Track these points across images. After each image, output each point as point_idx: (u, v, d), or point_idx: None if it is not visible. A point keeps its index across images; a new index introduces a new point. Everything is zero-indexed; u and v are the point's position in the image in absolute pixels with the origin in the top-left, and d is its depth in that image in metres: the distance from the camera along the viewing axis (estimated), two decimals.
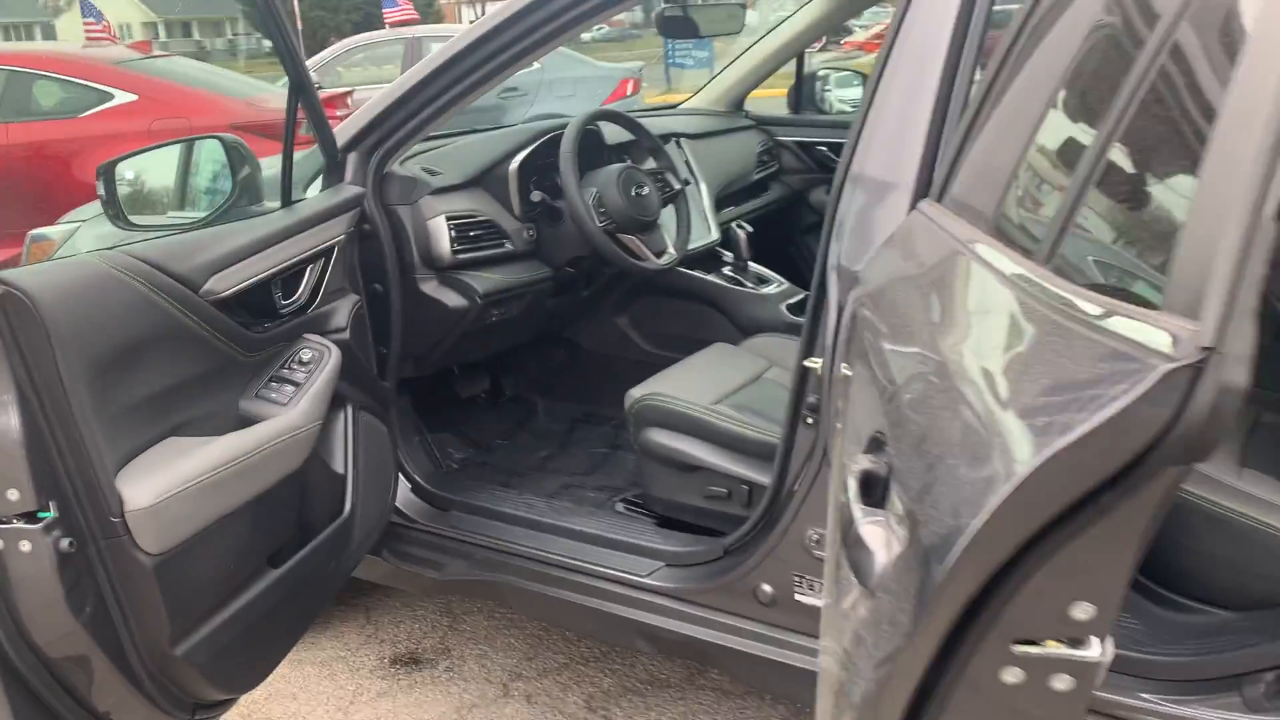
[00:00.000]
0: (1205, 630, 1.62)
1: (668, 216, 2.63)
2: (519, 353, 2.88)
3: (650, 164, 2.65)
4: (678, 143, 2.97)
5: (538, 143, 2.43)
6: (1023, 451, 0.75)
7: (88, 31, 11.07)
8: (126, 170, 1.87)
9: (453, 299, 2.22)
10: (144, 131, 6.15)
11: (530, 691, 2.43)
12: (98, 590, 1.35)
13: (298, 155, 2.07)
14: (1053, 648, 0.78)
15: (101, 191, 1.82)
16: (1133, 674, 1.59)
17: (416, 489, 2.29)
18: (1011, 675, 0.79)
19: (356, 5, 51.31)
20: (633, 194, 2.40)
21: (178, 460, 1.43)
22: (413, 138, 2.14)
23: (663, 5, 2.60)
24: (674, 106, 3.51)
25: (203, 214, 1.88)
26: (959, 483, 0.81)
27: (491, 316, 2.34)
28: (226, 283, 1.60)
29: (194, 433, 1.52)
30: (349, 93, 7.51)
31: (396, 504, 2.24)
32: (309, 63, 10.41)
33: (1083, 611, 0.75)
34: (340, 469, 1.92)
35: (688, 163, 2.94)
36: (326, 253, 1.91)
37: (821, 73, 3.59)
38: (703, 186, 2.94)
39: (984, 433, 0.82)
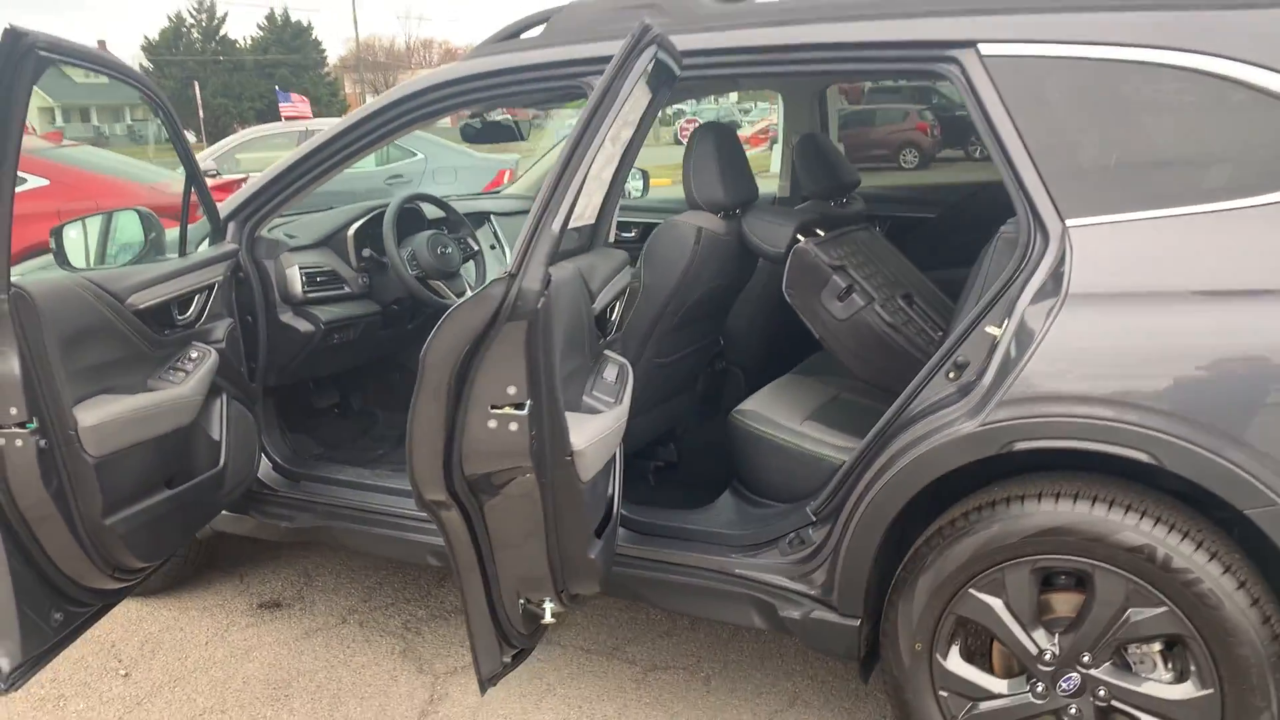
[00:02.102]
0: (767, 516, 2.58)
1: (472, 270, 3.58)
2: (362, 375, 3.75)
3: (458, 232, 3.60)
4: (489, 218, 3.94)
5: (369, 216, 3.37)
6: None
7: None
8: (70, 231, 2.72)
9: (303, 325, 3.10)
10: (53, 212, 6.79)
11: (363, 620, 3.27)
12: (59, 475, 2.17)
13: (195, 225, 2.96)
14: (509, 409, 1.72)
15: (52, 245, 2.67)
16: (727, 544, 2.53)
17: (276, 466, 3.13)
18: (493, 423, 1.73)
19: (260, 94, 52.06)
20: (439, 252, 3.35)
21: (109, 404, 2.28)
22: (275, 212, 3.04)
23: (465, 118, 3.59)
24: (496, 193, 4.50)
25: (124, 260, 2.75)
26: None
27: (334, 339, 3.22)
28: (141, 299, 2.47)
29: (118, 393, 2.38)
30: (244, 178, 8.36)
31: (260, 477, 3.07)
32: (213, 148, 11.29)
33: (513, 388, 1.70)
34: (216, 436, 2.76)
35: (495, 234, 3.91)
36: (209, 288, 2.78)
37: None
38: (508, 251, 3.91)
39: None
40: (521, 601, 2.11)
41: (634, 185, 4.83)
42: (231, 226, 3.00)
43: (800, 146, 3.28)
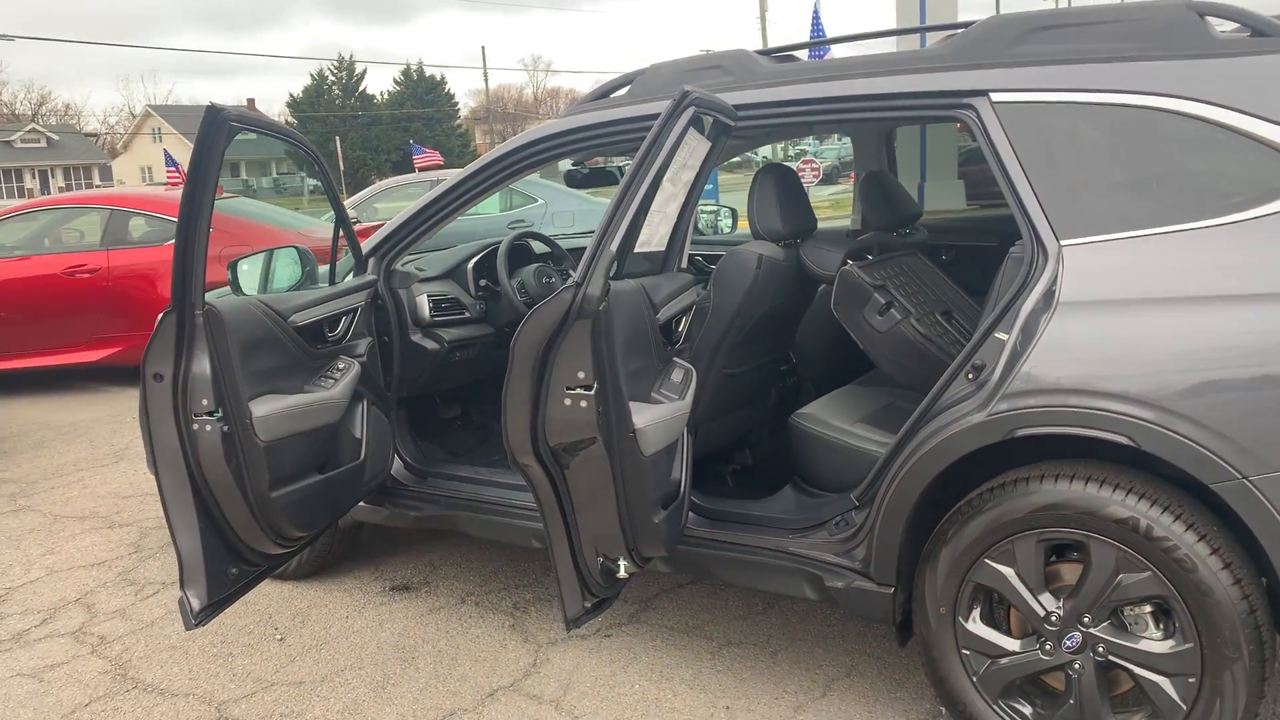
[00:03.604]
0: (819, 504, 2.96)
1: None
2: (480, 391, 4.28)
3: (562, 264, 4.11)
4: None
5: (485, 252, 3.91)
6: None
7: (169, 178, 13.11)
8: (243, 264, 3.32)
9: (430, 344, 3.65)
10: (215, 256, 7.69)
11: (479, 600, 3.76)
12: (237, 455, 2.73)
13: (341, 261, 3.54)
14: (579, 390, 2.18)
15: (229, 275, 3.27)
16: (784, 527, 2.92)
17: (406, 465, 3.66)
18: (568, 400, 2.19)
19: (396, 146, 54.62)
20: (544, 281, 3.86)
21: (275, 401, 2.84)
22: (407, 250, 3.60)
23: (570, 165, 4.11)
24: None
25: (285, 288, 3.34)
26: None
27: (456, 356, 3.76)
28: (300, 318, 3.03)
29: (282, 393, 2.94)
30: (381, 225, 9.14)
31: (393, 473, 3.61)
32: (353, 199, 12.27)
33: (583, 372, 2.16)
34: (358, 435, 3.30)
35: None
36: (353, 311, 3.34)
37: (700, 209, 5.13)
38: None
39: None
40: (600, 559, 2.55)
41: (724, 223, 5.29)
42: (371, 261, 3.56)
43: (863, 184, 3.67)
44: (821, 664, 3.16)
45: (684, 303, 2.80)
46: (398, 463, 3.64)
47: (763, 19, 38.10)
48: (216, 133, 2.56)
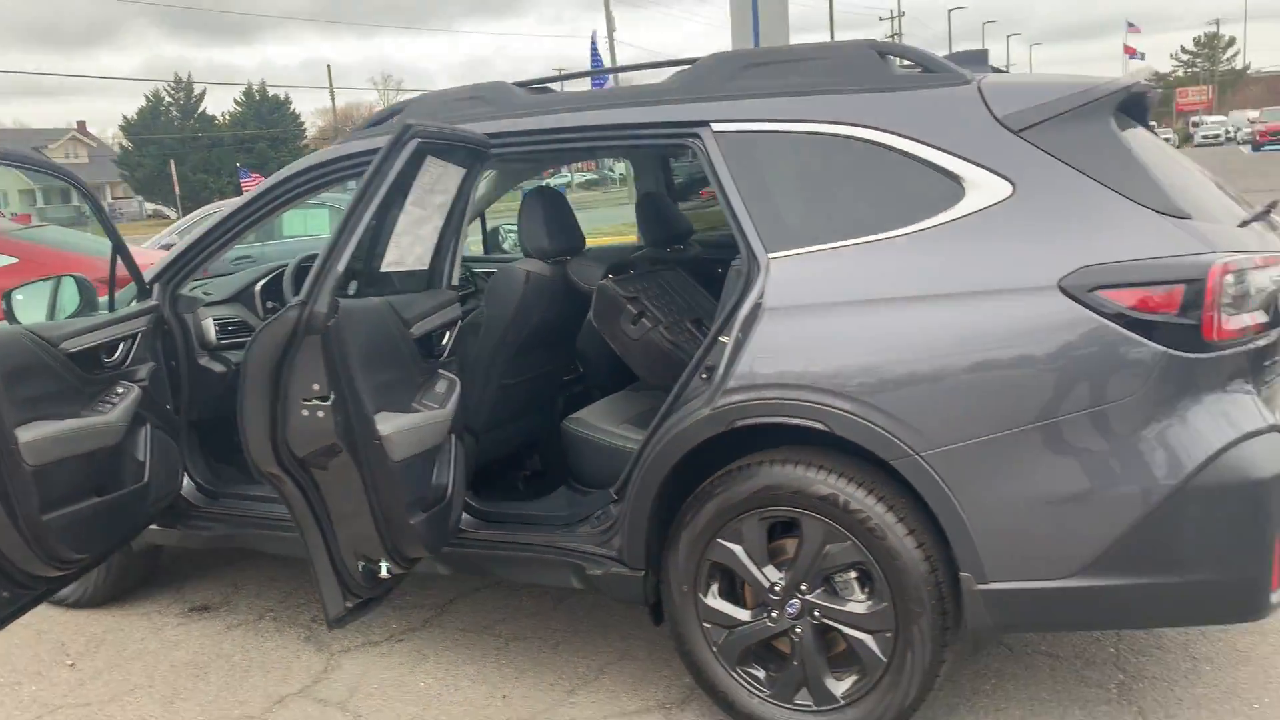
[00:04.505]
0: (586, 501, 3.19)
1: None
2: None
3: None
4: None
5: (272, 274, 4.02)
6: None
7: None
8: (18, 294, 3.35)
9: (218, 367, 3.72)
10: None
11: (277, 616, 3.85)
12: (3, 480, 2.77)
13: (127, 288, 3.59)
14: (315, 401, 2.36)
15: (4, 306, 3.30)
16: (553, 524, 3.13)
17: (199, 487, 3.73)
18: (305, 412, 2.37)
19: (238, 168, 53.04)
20: None
21: (44, 426, 2.89)
22: (192, 274, 3.68)
23: None
24: None
25: (63, 316, 3.38)
26: None
27: None
28: (72, 345, 3.08)
29: (53, 419, 2.98)
30: None
31: (184, 495, 3.66)
32: (177, 224, 11.99)
33: (317, 384, 2.34)
34: (141, 458, 3.36)
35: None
36: (133, 337, 3.40)
37: (500, 227, 5.36)
38: None
39: None
40: (360, 561, 2.71)
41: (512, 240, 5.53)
42: (156, 287, 3.63)
43: (638, 205, 3.95)
44: (599, 650, 3.39)
45: (444, 318, 2.99)
46: (190, 484, 3.70)
47: (610, 39, 38.69)
48: None
